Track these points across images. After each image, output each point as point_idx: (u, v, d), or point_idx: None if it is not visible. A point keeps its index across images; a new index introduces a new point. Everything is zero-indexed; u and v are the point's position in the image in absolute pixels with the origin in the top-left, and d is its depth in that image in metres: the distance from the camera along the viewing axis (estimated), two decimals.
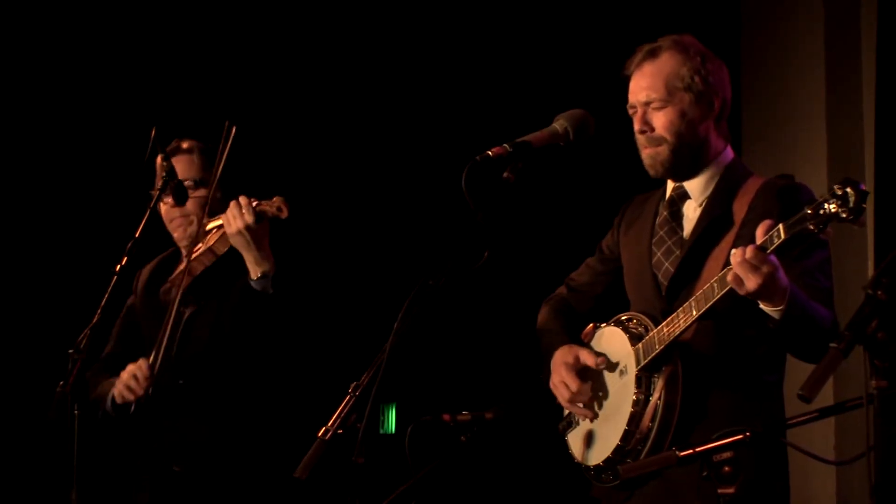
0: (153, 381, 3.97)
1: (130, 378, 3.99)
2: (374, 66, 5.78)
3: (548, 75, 5.64)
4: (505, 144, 3.11)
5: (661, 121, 3.40)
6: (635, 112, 3.45)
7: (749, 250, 3.02)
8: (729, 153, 3.48)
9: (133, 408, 4.00)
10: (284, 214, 3.94)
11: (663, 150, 3.41)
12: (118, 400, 4.04)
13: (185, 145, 4.24)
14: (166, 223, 4.24)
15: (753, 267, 3.01)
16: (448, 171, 3.18)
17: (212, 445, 4.03)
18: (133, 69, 5.57)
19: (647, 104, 3.41)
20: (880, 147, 5.06)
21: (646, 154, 3.44)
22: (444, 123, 5.68)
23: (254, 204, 3.95)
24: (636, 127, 3.44)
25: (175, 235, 4.23)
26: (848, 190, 2.85)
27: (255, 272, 3.97)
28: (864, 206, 2.84)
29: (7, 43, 5.52)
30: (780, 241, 2.99)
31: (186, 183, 4.14)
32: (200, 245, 4.08)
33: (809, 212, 2.91)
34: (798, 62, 5.50)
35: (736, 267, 3.03)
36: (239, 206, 3.95)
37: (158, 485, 4.03)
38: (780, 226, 3.00)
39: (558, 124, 3.21)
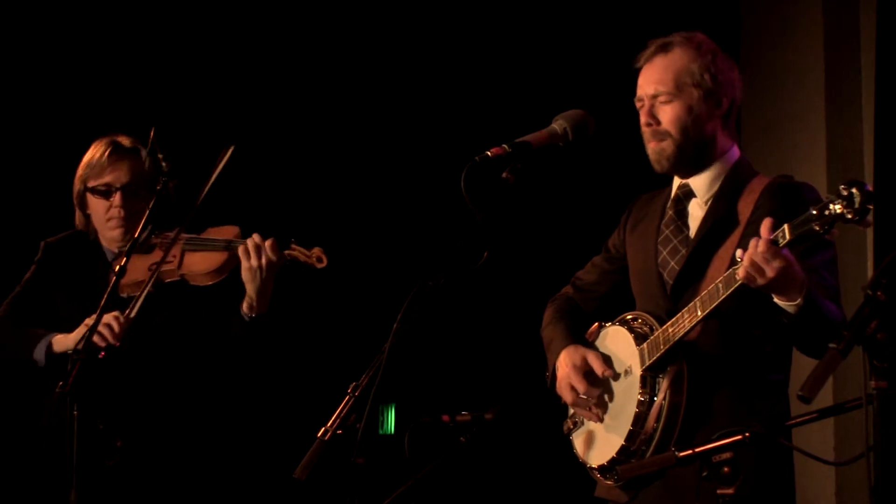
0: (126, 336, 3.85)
1: (104, 327, 3.84)
2: (374, 66, 5.78)
3: (547, 75, 5.63)
4: (504, 145, 3.10)
5: (667, 115, 3.39)
6: (643, 105, 3.44)
7: (762, 244, 3.01)
8: (735, 152, 3.48)
9: (101, 355, 3.83)
10: (323, 265, 3.92)
11: (668, 145, 3.40)
12: (73, 342, 3.88)
13: (126, 143, 4.13)
14: (99, 220, 4.13)
15: (766, 260, 3.01)
16: (447, 171, 3.18)
17: (153, 444, 4.01)
18: (128, 70, 5.57)
19: (654, 97, 3.41)
20: (879, 147, 5.06)
21: (651, 148, 3.43)
22: (443, 124, 5.68)
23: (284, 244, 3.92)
24: (642, 120, 3.43)
25: (110, 234, 4.12)
26: (853, 191, 2.85)
27: (251, 308, 3.96)
28: (869, 206, 2.84)
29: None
30: (786, 241, 3.00)
31: (132, 187, 4.07)
32: (178, 258, 4.02)
33: (815, 212, 2.91)
34: (797, 62, 5.50)
35: (747, 260, 3.03)
36: (268, 243, 3.91)
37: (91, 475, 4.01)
38: (786, 226, 3.00)
39: (557, 124, 3.20)
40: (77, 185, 4.18)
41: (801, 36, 5.50)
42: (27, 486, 4.63)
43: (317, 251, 3.93)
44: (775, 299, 3.11)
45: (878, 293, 2.49)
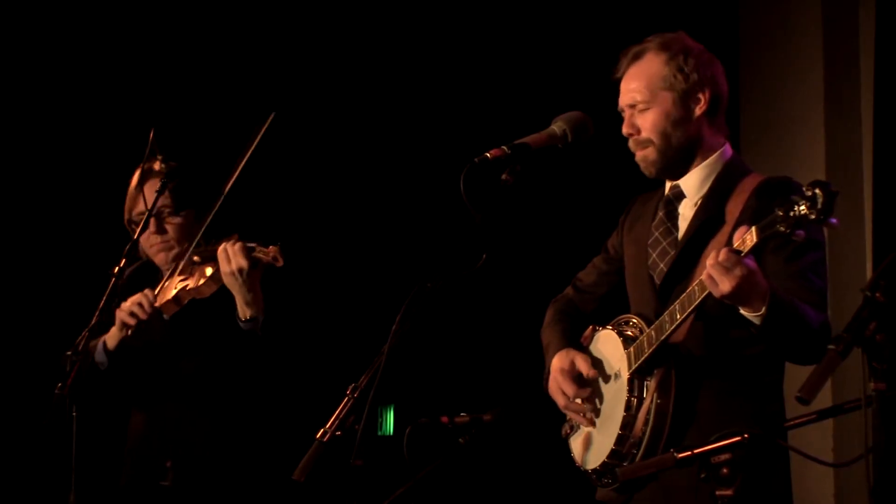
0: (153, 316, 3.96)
1: (134, 304, 3.97)
2: (373, 67, 5.78)
3: (547, 77, 5.64)
4: (503, 146, 3.11)
5: (646, 123, 3.41)
6: (624, 116, 3.46)
7: (722, 253, 3.01)
8: (727, 150, 3.47)
9: (133, 332, 3.97)
10: (279, 264, 3.93)
11: (650, 152, 3.42)
12: (118, 331, 3.99)
13: (156, 167, 4.14)
14: (146, 249, 4.19)
15: (725, 269, 3.00)
16: (446, 173, 3.18)
17: (202, 460, 4.02)
18: (130, 70, 5.57)
19: (632, 107, 3.43)
20: (878, 150, 5.06)
21: (637, 157, 3.46)
22: (442, 125, 5.68)
23: (249, 246, 3.94)
24: (624, 131, 3.45)
25: (156, 260, 4.18)
26: (816, 191, 2.85)
27: (244, 313, 3.97)
28: (832, 206, 2.84)
29: (6, 43, 5.52)
30: (753, 243, 2.99)
31: (165, 210, 4.10)
32: (189, 279, 4.05)
33: (780, 213, 2.91)
34: (796, 65, 5.51)
35: (709, 269, 3.02)
36: (234, 248, 3.94)
37: (146, 497, 4.02)
38: (753, 228, 2.99)
39: (556, 126, 3.21)
40: (125, 216, 4.24)
41: (800, 36, 5.51)
42: (29, 487, 4.63)
43: (273, 250, 3.94)
44: (741, 310, 3.10)
45: (877, 295, 2.49)
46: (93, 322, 3.86)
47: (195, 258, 4.06)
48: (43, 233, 5.55)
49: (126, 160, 4.32)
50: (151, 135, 4.09)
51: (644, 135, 3.41)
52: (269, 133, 4.00)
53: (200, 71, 5.62)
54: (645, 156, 3.43)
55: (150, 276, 4.21)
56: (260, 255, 3.94)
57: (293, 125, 5.68)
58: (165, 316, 4.05)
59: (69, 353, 3.80)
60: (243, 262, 3.91)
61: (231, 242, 3.94)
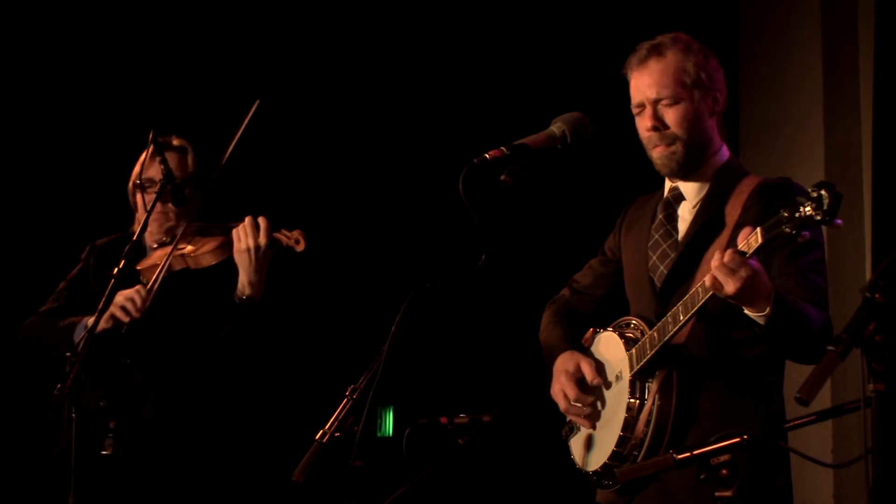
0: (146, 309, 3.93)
1: (127, 300, 3.95)
2: (372, 68, 5.78)
3: (546, 77, 5.63)
4: (502, 147, 3.10)
5: (673, 117, 3.36)
6: (642, 110, 3.40)
7: (727, 254, 3.00)
8: (725, 152, 3.47)
9: (124, 329, 3.95)
10: (300, 248, 3.93)
11: (678, 148, 3.38)
12: (104, 322, 3.96)
13: (175, 143, 4.21)
14: (142, 215, 4.17)
15: (731, 270, 2.99)
16: (445, 174, 3.18)
17: (148, 432, 4.01)
18: (130, 68, 5.57)
19: (657, 101, 3.38)
20: (878, 150, 5.06)
21: (657, 152, 3.40)
22: (441, 126, 5.68)
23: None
24: (648, 124, 3.38)
25: (150, 227, 4.16)
26: (822, 192, 2.85)
27: (242, 291, 3.97)
28: (837, 207, 2.84)
29: (6, 42, 5.52)
30: (758, 244, 2.98)
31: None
32: (189, 246, 4.05)
33: (786, 215, 2.91)
34: (796, 65, 5.50)
35: (714, 271, 3.02)
36: (256, 225, 3.94)
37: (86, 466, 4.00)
38: (758, 229, 2.99)
39: (555, 127, 3.20)
40: (130, 180, 4.26)
41: (800, 36, 5.51)
42: (29, 485, 4.62)
43: (296, 233, 3.95)
44: (745, 311, 3.09)
45: (877, 295, 2.49)
46: (92, 323, 3.85)
47: (211, 230, 4.06)
48: (42, 232, 5.55)
49: (123, 157, 4.33)
50: (151, 136, 4.09)
51: (672, 129, 3.37)
52: (254, 121, 4.01)
53: (203, 64, 5.62)
54: (673, 151, 3.38)
55: (130, 251, 4.19)
56: (281, 237, 3.95)
57: (295, 126, 5.70)
58: (144, 279, 4.02)
59: (69, 353, 3.80)
60: (263, 241, 3.93)
61: (251, 219, 3.94)
